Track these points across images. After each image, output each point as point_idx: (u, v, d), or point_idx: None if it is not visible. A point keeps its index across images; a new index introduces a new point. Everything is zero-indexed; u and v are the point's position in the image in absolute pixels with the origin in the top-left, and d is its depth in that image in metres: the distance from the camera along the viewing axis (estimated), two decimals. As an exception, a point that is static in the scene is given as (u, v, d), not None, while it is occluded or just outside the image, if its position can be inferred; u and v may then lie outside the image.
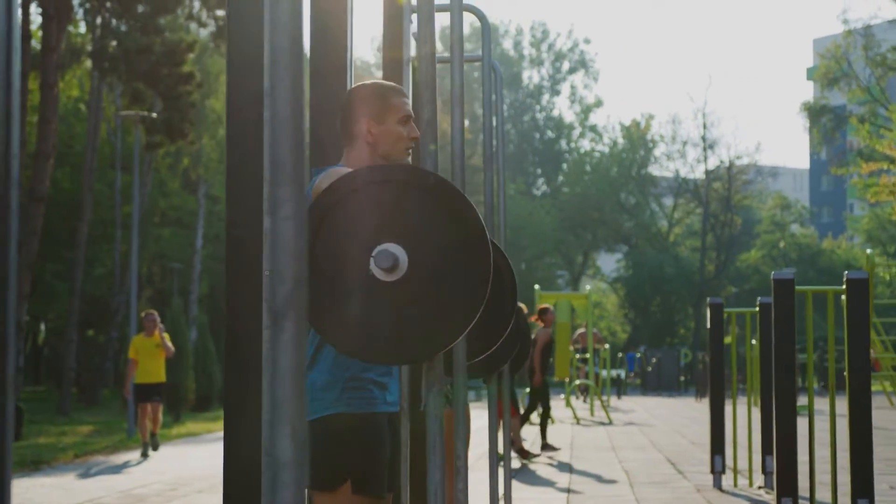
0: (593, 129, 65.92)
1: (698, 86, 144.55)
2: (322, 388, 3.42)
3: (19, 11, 1.65)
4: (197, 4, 23.21)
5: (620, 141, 62.99)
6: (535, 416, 17.78)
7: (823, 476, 9.84)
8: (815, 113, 54.92)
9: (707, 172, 58.95)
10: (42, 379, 43.30)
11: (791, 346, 7.23)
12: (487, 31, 5.82)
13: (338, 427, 3.42)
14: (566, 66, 66.83)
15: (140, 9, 21.83)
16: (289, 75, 1.57)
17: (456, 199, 2.97)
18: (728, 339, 15.66)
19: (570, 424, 20.89)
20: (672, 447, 15.09)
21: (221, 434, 13.46)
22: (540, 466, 12.95)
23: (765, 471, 10.03)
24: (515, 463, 13.23)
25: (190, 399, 26.04)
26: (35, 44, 26.97)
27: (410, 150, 3.66)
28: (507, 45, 66.23)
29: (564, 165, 65.38)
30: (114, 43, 22.83)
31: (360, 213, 2.97)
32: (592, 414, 24.26)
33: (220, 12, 23.47)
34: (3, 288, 1.52)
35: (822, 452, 11.56)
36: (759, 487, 10.18)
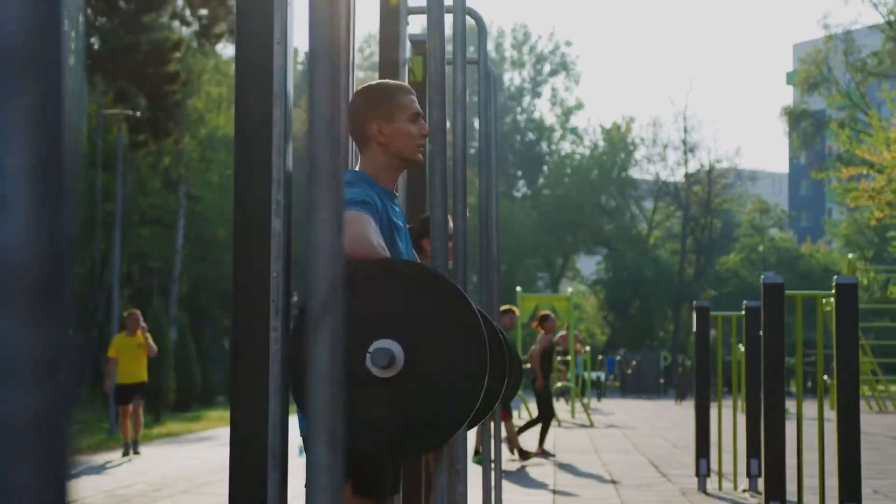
0: (574, 131, 66.00)
1: (679, 89, 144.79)
2: None
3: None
4: (181, 3, 23.15)
5: (601, 143, 63.12)
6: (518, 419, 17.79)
7: (807, 480, 9.87)
8: (795, 117, 55.15)
9: (687, 175, 59.13)
10: (20, 378, 43.02)
11: (780, 350, 7.25)
12: (484, 34, 5.82)
13: None
14: (547, 68, 66.91)
15: (124, 6, 21.76)
16: (329, 76, 1.56)
17: (450, 293, 2.97)
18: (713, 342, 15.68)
19: (553, 427, 20.90)
20: (654, 450, 15.13)
21: (203, 434, 13.42)
22: (525, 468, 12.96)
23: (749, 474, 10.06)
24: (509, 465, 13.22)
25: (170, 399, 25.97)
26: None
27: (423, 148, 3.66)
28: (489, 46, 66.21)
29: (545, 167, 65.44)
30: (95, 40, 22.76)
31: (357, 307, 2.95)
32: (573, 416, 24.30)
33: (204, 11, 23.41)
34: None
35: (806, 456, 11.59)
36: (744, 491, 10.21)
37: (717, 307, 53.74)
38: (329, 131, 1.55)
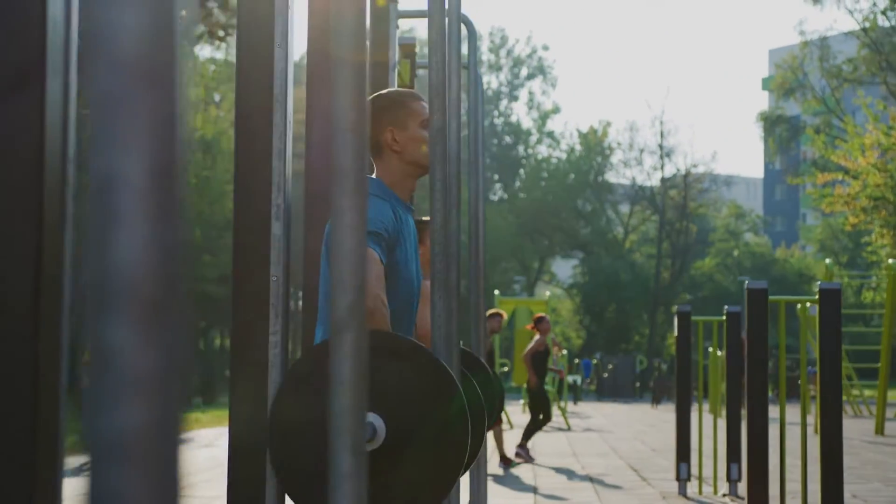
0: (551, 135, 66.12)
1: (656, 94, 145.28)
2: None
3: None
4: (160, 4, 23.03)
5: (577, 147, 63.26)
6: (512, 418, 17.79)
7: (791, 484, 9.90)
8: (770, 123, 55.44)
9: (663, 180, 59.33)
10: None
11: (764, 355, 7.27)
12: (474, 40, 5.83)
13: None
14: (524, 72, 67.03)
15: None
16: (352, 83, 1.56)
17: (431, 364, 2.96)
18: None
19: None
20: (633, 454, 15.16)
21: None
22: (505, 471, 12.97)
23: (729, 478, 10.09)
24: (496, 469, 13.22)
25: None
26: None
27: None
28: (464, 50, 66.25)
29: (521, 171, 65.53)
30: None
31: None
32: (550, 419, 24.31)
33: (183, 13, 23.29)
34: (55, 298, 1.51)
35: (790, 461, 11.63)
36: (724, 495, 10.24)
37: (692, 312, 53.75)
38: (352, 138, 1.55)
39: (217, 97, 46.22)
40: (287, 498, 3.05)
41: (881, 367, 20.18)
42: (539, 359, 15.15)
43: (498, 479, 12.24)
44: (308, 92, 4.09)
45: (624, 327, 59.47)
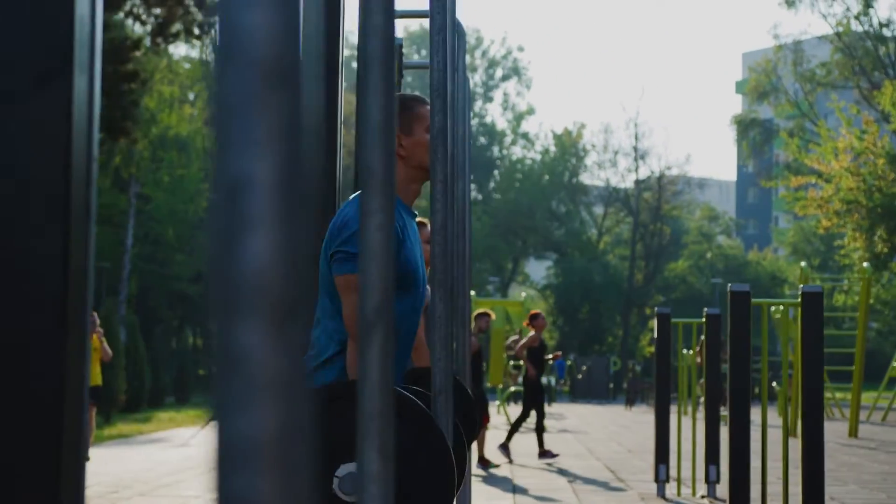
0: (525, 136, 66.22)
1: (631, 96, 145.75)
2: None
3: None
4: (138, 1, 22.98)
5: (552, 149, 63.36)
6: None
7: (771, 487, 9.94)
8: (744, 126, 55.68)
9: (637, 182, 59.50)
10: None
11: (746, 358, 7.30)
12: (463, 42, 5.82)
13: None
14: (499, 73, 67.11)
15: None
16: (381, 82, 1.55)
17: (420, 416, 2.96)
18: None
19: (504, 430, 20.93)
20: (609, 455, 15.19)
21: (154, 436, 13.31)
22: (484, 474, 12.97)
23: (708, 480, 10.13)
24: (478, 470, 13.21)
25: (120, 400, 25.77)
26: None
27: None
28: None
29: (496, 172, 65.58)
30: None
31: (328, 428, 2.93)
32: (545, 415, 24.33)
33: (158, 10, 23.25)
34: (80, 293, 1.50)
35: (757, 463, 11.68)
36: (703, 497, 10.27)
37: (665, 313, 53.91)
38: (381, 138, 1.55)
39: (192, 96, 46.05)
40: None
41: (855, 370, 20.30)
42: (535, 354, 15.22)
43: (477, 479, 12.25)
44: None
45: (597, 328, 59.61)
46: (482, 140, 66.10)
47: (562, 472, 12.97)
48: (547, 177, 61.86)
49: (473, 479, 12.27)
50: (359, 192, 3.75)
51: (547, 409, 31.69)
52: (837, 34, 47.38)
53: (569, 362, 44.20)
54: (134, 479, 12.26)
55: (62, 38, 1.53)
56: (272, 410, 0.60)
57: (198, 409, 29.67)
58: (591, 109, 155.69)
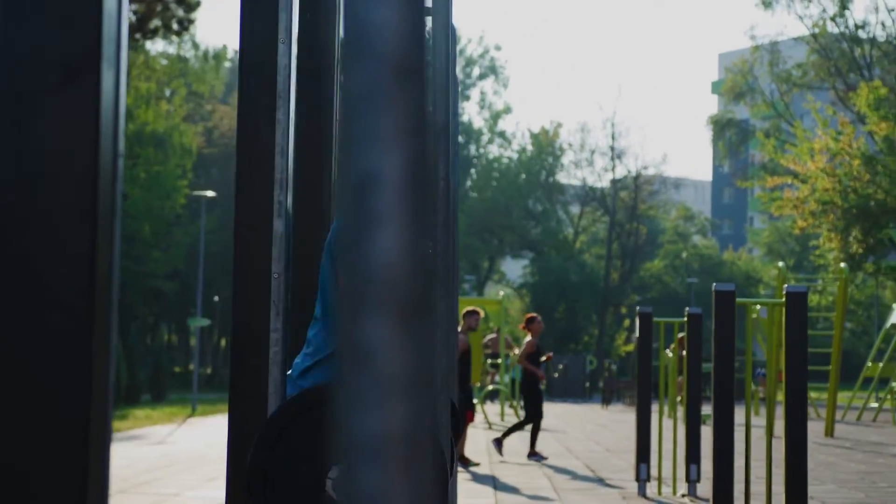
0: (502, 135, 66.22)
1: (608, 95, 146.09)
2: None
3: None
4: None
5: (529, 148, 63.41)
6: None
7: (741, 485, 9.98)
8: (720, 126, 55.86)
9: (614, 181, 59.63)
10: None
11: (731, 357, 7.32)
12: (454, 42, 5.81)
13: None
14: (476, 71, 67.07)
15: None
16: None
17: None
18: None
19: (482, 429, 20.95)
20: (588, 454, 15.21)
21: (130, 433, 13.27)
22: (463, 472, 12.97)
23: (688, 479, 10.16)
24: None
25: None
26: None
27: None
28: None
29: (473, 171, 65.59)
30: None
31: (321, 429, 2.92)
32: (503, 419, 24.37)
33: (136, 6, 23.15)
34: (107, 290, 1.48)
35: (740, 462, 11.73)
36: (683, 495, 10.30)
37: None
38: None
39: (168, 92, 45.86)
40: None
41: (832, 370, 20.39)
42: (534, 359, 15.27)
43: (461, 478, 12.24)
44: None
45: (574, 327, 59.72)
46: (459, 138, 66.02)
47: (543, 470, 12.99)
48: (523, 176, 61.92)
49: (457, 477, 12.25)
50: None
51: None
52: (814, 35, 47.61)
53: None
54: (113, 475, 12.20)
55: (91, 33, 1.52)
56: (400, 407, 0.59)
57: (173, 406, 29.56)
58: (567, 109, 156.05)
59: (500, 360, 25.58)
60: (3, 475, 1.36)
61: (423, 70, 0.62)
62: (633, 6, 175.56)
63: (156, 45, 42.21)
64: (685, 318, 9.96)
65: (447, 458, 2.96)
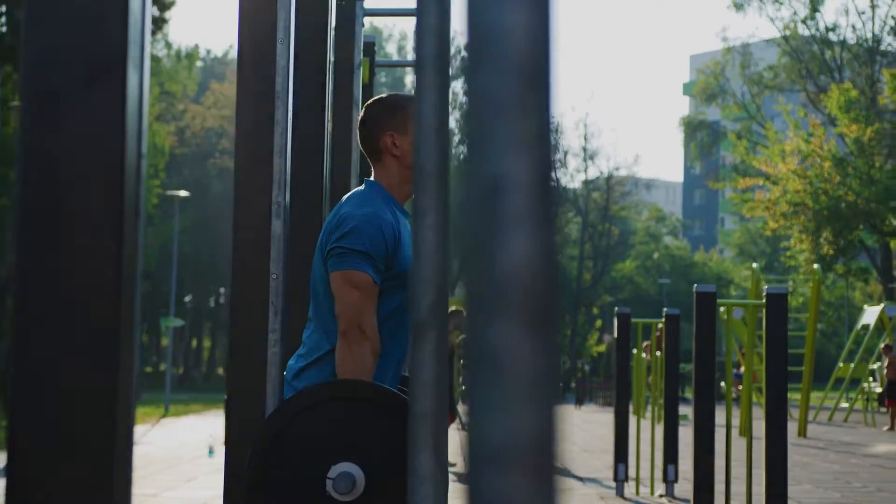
0: (475, 135, 66.24)
1: (580, 97, 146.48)
2: None
3: None
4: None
5: (501, 149, 63.52)
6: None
7: (721, 486, 10.02)
8: (691, 128, 56.06)
9: (586, 182, 59.76)
10: None
11: (712, 359, 7.35)
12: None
13: None
14: (449, 72, 67.10)
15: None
16: (436, 82, 1.55)
17: (408, 413, 2.95)
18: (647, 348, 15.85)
19: (456, 429, 20.95)
20: (564, 454, 15.24)
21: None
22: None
23: (666, 480, 10.19)
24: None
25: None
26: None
27: None
28: (391, 49, 66.23)
29: (445, 171, 65.66)
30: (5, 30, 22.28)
31: (320, 429, 2.93)
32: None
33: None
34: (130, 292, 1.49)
35: (721, 463, 11.77)
36: (661, 496, 10.33)
37: (612, 313, 54.27)
38: (436, 138, 1.54)
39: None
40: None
41: (805, 371, 20.51)
42: None
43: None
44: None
45: (545, 328, 59.71)
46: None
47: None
48: (496, 176, 62.04)
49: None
50: (356, 189, 3.75)
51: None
52: (785, 38, 47.83)
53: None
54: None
55: (117, 34, 1.52)
56: (529, 413, 0.60)
57: (146, 406, 29.43)
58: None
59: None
60: (40, 474, 1.36)
61: (551, 74, 0.62)
62: (605, 7, 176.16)
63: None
64: (663, 319, 9.99)
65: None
